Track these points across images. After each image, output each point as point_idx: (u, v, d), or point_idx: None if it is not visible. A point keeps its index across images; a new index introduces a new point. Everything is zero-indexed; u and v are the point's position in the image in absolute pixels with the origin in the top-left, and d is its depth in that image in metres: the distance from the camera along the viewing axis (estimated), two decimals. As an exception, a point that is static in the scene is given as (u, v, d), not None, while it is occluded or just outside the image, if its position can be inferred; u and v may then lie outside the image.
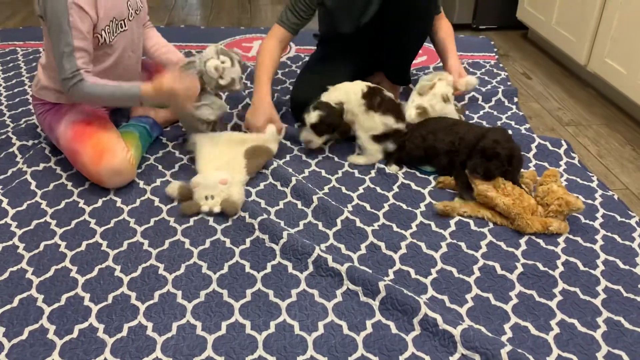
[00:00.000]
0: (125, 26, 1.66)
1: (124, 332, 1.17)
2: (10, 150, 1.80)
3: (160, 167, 1.74)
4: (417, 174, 1.71)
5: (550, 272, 1.33)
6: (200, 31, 2.96)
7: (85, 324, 1.19)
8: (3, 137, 1.87)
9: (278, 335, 1.17)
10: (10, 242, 1.42)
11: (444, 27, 2.08)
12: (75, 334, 1.17)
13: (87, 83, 1.52)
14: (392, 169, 1.72)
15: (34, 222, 1.49)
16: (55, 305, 1.24)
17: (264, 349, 1.14)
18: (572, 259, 1.37)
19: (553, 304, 1.25)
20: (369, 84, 1.77)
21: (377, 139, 1.72)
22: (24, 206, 1.56)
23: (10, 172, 1.70)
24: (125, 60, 1.72)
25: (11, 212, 1.53)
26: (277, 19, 1.90)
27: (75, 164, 1.65)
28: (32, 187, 1.64)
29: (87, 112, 1.68)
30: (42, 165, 1.73)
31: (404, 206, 1.57)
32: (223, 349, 1.14)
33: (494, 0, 2.91)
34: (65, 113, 1.67)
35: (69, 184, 1.65)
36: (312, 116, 1.70)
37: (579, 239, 1.44)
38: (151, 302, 1.25)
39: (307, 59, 2.27)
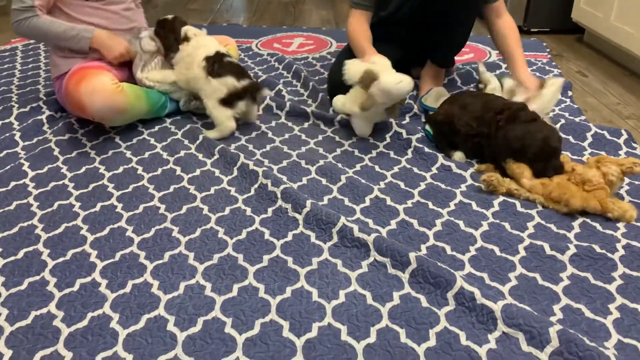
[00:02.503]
0: None
1: (127, 289, 1.08)
2: (39, 117, 1.77)
3: (186, 142, 1.66)
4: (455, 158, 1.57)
5: (609, 255, 1.16)
6: (242, 29, 2.94)
7: (88, 279, 1.11)
8: (34, 105, 1.86)
9: (294, 301, 1.05)
10: (24, 201, 1.37)
11: (507, 27, 1.83)
12: (75, 288, 1.08)
13: (40, 18, 1.59)
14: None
15: (52, 184, 1.44)
16: (60, 260, 1.16)
17: (276, 313, 1.02)
18: (634, 243, 1.20)
19: (612, 287, 1.08)
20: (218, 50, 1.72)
21: (225, 102, 1.66)
22: (45, 169, 1.51)
23: (35, 139, 1.67)
24: (116, 22, 1.75)
25: (31, 174, 1.49)
26: (351, 3, 1.85)
27: (65, 102, 1.65)
28: (55, 153, 1.59)
29: (88, 62, 1.68)
30: (67, 135, 1.69)
31: (443, 185, 1.44)
32: (232, 310, 1.02)
33: (546, 2, 2.77)
34: (69, 71, 1.67)
35: (92, 152, 1.60)
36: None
37: (641, 224, 1.27)
38: (160, 261, 1.15)
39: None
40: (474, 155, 1.56)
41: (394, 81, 1.44)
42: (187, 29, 1.76)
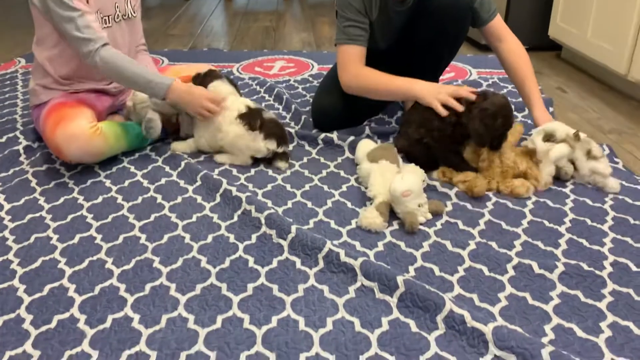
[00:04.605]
0: (109, 22, 1.66)
1: (107, 324, 1.04)
2: (16, 148, 1.73)
3: (167, 169, 1.63)
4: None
5: (597, 272, 1.15)
6: (223, 53, 2.93)
7: (66, 315, 1.06)
8: (10, 135, 1.82)
9: (280, 331, 1.02)
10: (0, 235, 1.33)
11: (514, 54, 1.70)
12: (53, 324, 1.04)
13: (112, 50, 1.54)
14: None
15: (29, 216, 1.40)
16: (37, 295, 1.12)
17: (262, 345, 0.98)
18: (622, 260, 1.19)
19: (602, 305, 1.07)
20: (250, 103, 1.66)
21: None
22: (21, 201, 1.47)
23: (12, 170, 1.63)
24: None
25: (7, 206, 1.44)
26: (340, 41, 1.68)
27: (45, 142, 1.60)
28: (32, 184, 1.55)
29: (67, 97, 1.64)
30: (45, 166, 1.65)
31: (428, 206, 1.42)
32: (216, 343, 0.99)
33: (524, 21, 2.81)
34: (48, 102, 1.63)
35: (70, 182, 1.56)
36: None
37: (628, 239, 1.26)
38: (141, 294, 1.12)
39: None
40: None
41: (400, 189, 1.31)
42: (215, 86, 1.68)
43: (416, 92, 1.58)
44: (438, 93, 1.52)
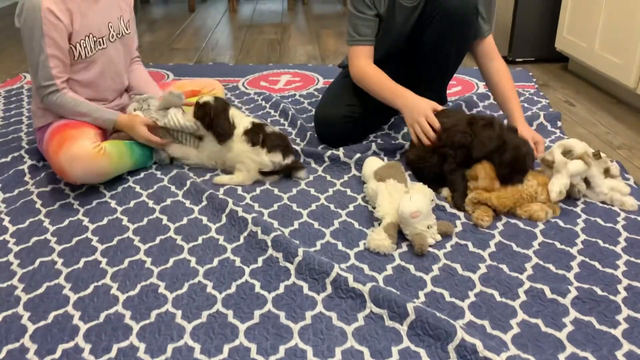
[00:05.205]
0: (103, 44, 1.66)
1: (112, 354, 1.02)
2: (20, 167, 1.73)
3: (172, 188, 1.62)
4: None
5: (611, 297, 1.13)
6: (229, 67, 2.93)
7: (71, 344, 1.05)
8: (15, 154, 1.82)
9: (287, 361, 1.00)
10: (4, 259, 1.31)
11: (502, 73, 1.77)
12: (57, 354, 1.02)
13: (64, 96, 1.57)
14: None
15: (33, 239, 1.39)
16: (41, 324, 1.10)
17: (269, 376, 0.97)
18: (635, 284, 1.17)
19: (617, 332, 1.04)
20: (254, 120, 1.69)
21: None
22: (26, 223, 1.46)
23: (16, 191, 1.62)
24: (108, 81, 1.73)
25: (11, 229, 1.43)
26: (350, 41, 1.77)
27: (49, 163, 1.60)
28: (37, 205, 1.54)
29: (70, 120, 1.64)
30: (50, 186, 1.64)
31: (437, 226, 1.40)
32: (222, 374, 0.97)
33: (530, 32, 2.80)
34: (51, 124, 1.64)
35: (75, 203, 1.55)
36: None
37: (642, 261, 1.24)
38: (147, 321, 1.10)
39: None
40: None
41: (409, 211, 1.29)
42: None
43: (399, 106, 1.65)
44: (419, 116, 1.55)
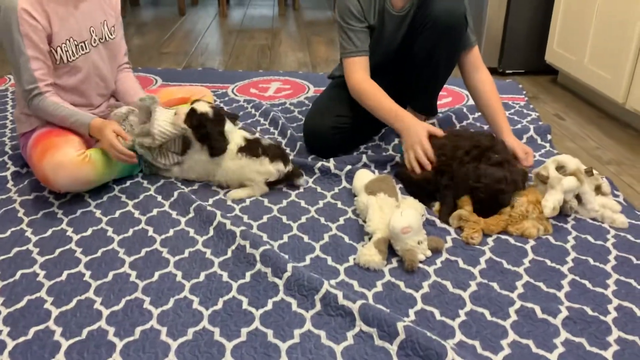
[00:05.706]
0: (86, 48, 1.63)
1: (94, 373, 0.99)
2: (3, 174, 1.69)
3: (159, 198, 1.59)
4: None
5: (602, 317, 1.12)
6: (218, 73, 2.90)
7: (51, 362, 1.02)
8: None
9: (275, 382, 0.98)
10: (-16, 270, 1.28)
11: (487, 84, 1.76)
12: (36, 373, 0.99)
13: (46, 100, 1.53)
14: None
15: (15, 250, 1.35)
16: (21, 339, 1.07)
17: (256, 398, 0.94)
18: (626, 304, 1.16)
19: (608, 354, 1.04)
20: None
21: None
22: (7, 233, 1.42)
23: (-1, 199, 1.58)
24: (93, 86, 1.69)
25: (-8, 239, 1.40)
26: (343, 53, 1.76)
27: (33, 170, 1.57)
28: (20, 214, 1.51)
29: (54, 125, 1.60)
30: (33, 194, 1.60)
31: (427, 242, 1.39)
32: (208, 395, 0.95)
33: (520, 44, 2.81)
34: (35, 130, 1.61)
35: (59, 212, 1.51)
36: None
37: (632, 281, 1.24)
38: (131, 338, 1.07)
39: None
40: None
41: (400, 226, 1.28)
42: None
43: (397, 129, 1.66)
44: (414, 143, 1.55)
